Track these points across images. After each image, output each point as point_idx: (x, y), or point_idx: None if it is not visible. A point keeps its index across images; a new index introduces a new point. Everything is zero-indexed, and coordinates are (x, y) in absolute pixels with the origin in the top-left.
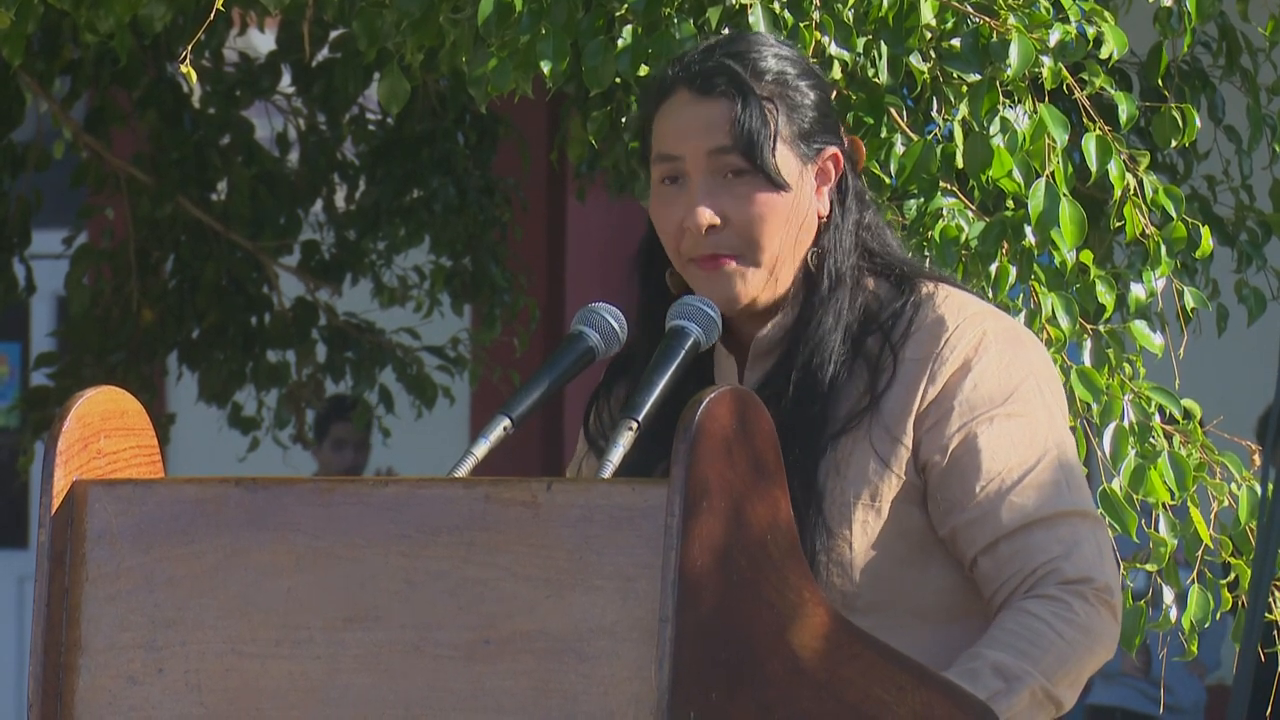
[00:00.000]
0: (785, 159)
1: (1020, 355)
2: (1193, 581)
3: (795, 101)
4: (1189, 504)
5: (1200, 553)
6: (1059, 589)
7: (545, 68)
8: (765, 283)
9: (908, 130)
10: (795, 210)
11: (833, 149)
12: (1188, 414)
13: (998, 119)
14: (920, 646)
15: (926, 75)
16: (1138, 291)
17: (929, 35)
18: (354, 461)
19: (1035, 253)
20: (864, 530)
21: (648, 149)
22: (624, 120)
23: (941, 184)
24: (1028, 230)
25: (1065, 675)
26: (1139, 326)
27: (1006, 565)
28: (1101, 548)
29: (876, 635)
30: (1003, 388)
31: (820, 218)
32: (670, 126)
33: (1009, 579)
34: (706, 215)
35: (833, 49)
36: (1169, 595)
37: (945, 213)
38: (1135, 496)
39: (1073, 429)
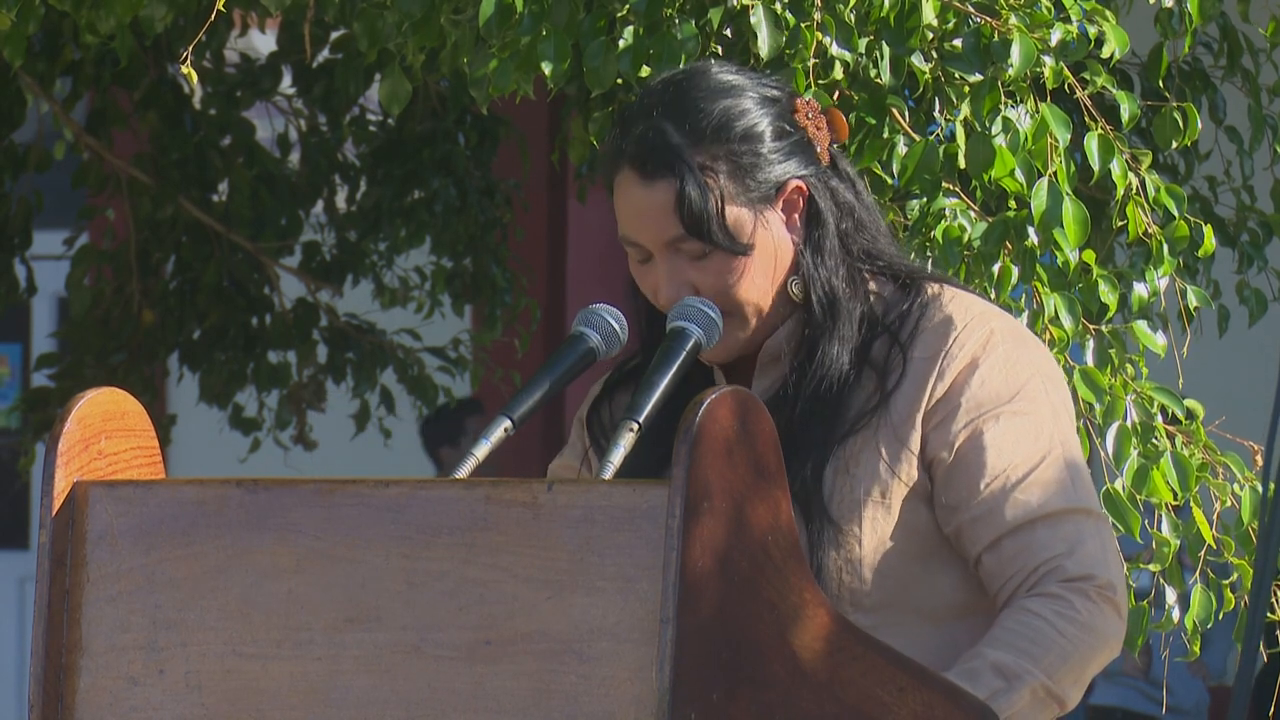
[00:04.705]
0: (739, 219)
1: (1026, 354)
2: (1195, 582)
3: (739, 150)
4: (1192, 504)
5: (1203, 553)
6: (1060, 586)
7: (546, 68)
8: (754, 327)
9: (910, 131)
10: (764, 261)
11: (794, 181)
12: (1190, 414)
13: (1000, 119)
14: (926, 645)
15: (928, 75)
16: (1140, 291)
17: (930, 35)
18: None
19: (1038, 253)
20: (874, 528)
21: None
22: None
23: (944, 184)
24: (1030, 230)
25: (1067, 673)
26: (1141, 326)
27: (1010, 563)
28: (1105, 545)
29: (883, 634)
30: (1009, 385)
31: (795, 245)
32: (624, 210)
33: (1012, 576)
34: (674, 294)
35: (834, 49)
36: (1171, 595)
37: (948, 213)
38: (1138, 497)
39: (1076, 429)
